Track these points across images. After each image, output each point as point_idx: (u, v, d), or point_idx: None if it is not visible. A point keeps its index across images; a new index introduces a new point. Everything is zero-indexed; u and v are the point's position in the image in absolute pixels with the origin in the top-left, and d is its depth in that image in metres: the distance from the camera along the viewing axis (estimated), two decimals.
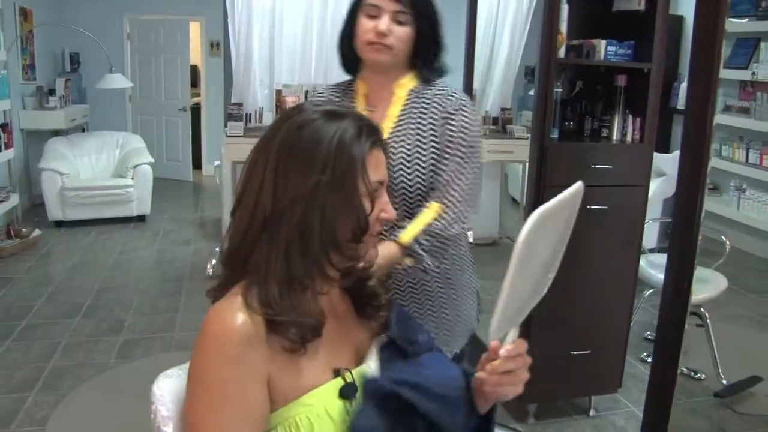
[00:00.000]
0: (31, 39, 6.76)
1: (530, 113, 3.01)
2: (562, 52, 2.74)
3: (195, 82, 9.01)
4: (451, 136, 1.59)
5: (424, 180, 1.59)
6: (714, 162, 5.48)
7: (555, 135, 2.79)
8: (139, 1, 7.95)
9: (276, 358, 1.00)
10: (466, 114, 1.61)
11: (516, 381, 1.07)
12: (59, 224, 6.11)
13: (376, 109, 1.64)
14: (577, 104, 2.99)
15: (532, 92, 3.00)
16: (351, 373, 1.07)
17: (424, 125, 1.61)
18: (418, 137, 1.60)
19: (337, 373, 1.07)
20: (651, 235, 4.61)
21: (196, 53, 8.75)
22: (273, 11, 5.08)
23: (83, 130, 7.56)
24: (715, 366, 3.26)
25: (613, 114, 2.87)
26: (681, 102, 6.06)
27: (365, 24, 1.57)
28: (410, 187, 1.59)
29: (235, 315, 0.98)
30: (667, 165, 4.75)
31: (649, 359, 3.01)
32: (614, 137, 2.87)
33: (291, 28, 5.12)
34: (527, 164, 2.90)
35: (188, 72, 8.38)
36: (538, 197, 2.71)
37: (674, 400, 1.98)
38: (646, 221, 3.00)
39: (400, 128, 1.62)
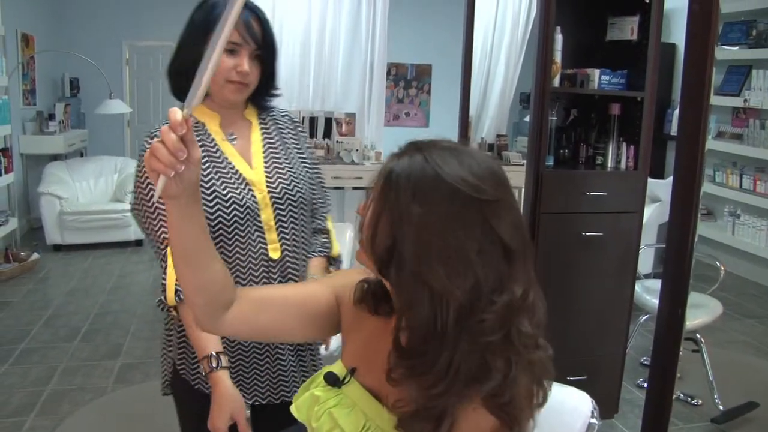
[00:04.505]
0: (33, 65, 6.83)
1: (526, 139, 3.06)
2: (556, 81, 2.80)
3: None
4: (307, 147, 1.73)
5: (311, 189, 1.68)
6: (708, 187, 5.52)
7: (550, 162, 2.84)
8: (138, 28, 8.02)
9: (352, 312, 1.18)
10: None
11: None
12: (57, 248, 6.12)
13: (237, 137, 1.62)
14: (572, 132, 3.04)
15: (527, 118, 3.05)
16: (351, 377, 1.12)
17: (295, 140, 1.70)
18: (297, 153, 1.68)
19: (348, 369, 1.13)
20: (646, 260, 4.64)
21: None
22: None
23: (82, 155, 7.59)
24: (712, 391, 3.26)
25: (608, 141, 2.91)
26: (674, 128, 6.11)
27: (225, 61, 1.52)
28: (304, 199, 1.64)
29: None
30: (661, 191, 4.79)
31: (646, 385, 3.03)
32: (609, 164, 2.92)
33: (289, 53, 5.15)
34: (523, 190, 2.94)
35: None
36: (533, 224, 2.74)
37: (671, 426, 2.00)
38: (641, 247, 3.03)
39: (274, 150, 1.64)
